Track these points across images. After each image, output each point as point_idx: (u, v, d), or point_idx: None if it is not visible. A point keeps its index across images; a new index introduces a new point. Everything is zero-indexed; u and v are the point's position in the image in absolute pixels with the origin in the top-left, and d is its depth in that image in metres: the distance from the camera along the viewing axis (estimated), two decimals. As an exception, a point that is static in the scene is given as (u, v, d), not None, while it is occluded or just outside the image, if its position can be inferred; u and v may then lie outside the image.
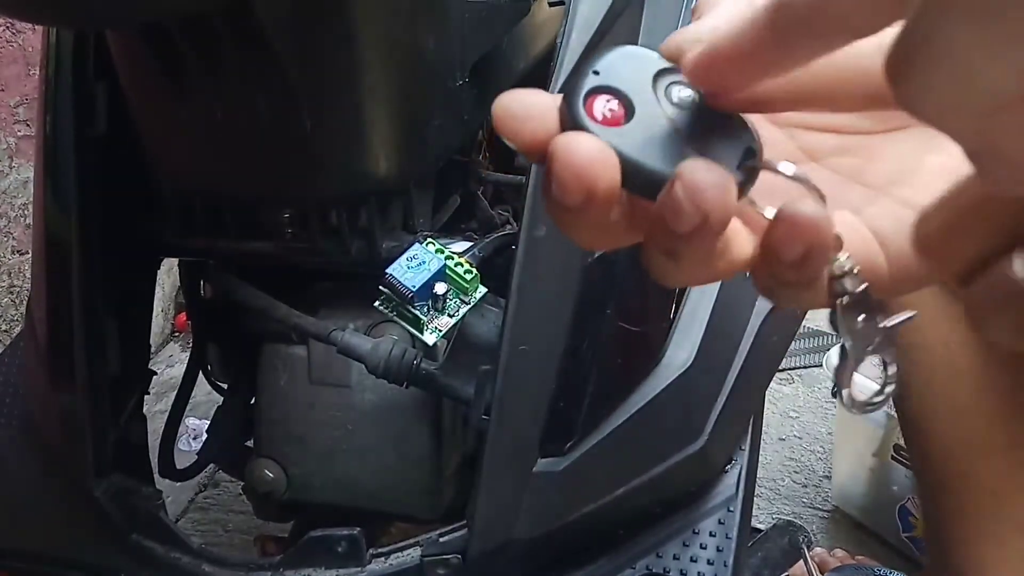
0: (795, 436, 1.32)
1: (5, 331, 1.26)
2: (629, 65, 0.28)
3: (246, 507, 1.04)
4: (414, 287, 0.58)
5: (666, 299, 0.64)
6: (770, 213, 0.26)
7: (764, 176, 0.27)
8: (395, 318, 0.60)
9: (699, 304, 0.66)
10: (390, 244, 0.62)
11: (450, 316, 0.59)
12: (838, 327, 0.30)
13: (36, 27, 1.14)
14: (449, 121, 0.62)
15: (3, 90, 1.20)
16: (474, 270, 0.59)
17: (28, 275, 1.24)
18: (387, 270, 0.59)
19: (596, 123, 0.26)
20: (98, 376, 0.64)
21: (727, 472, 0.65)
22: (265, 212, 0.63)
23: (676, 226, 0.25)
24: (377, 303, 0.60)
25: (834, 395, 0.31)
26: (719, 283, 0.69)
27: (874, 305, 0.29)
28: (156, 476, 0.73)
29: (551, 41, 0.71)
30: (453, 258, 0.59)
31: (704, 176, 0.24)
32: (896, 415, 0.79)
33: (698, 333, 0.65)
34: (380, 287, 0.59)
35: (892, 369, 0.31)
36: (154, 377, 0.73)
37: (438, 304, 0.59)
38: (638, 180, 0.26)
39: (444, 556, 0.58)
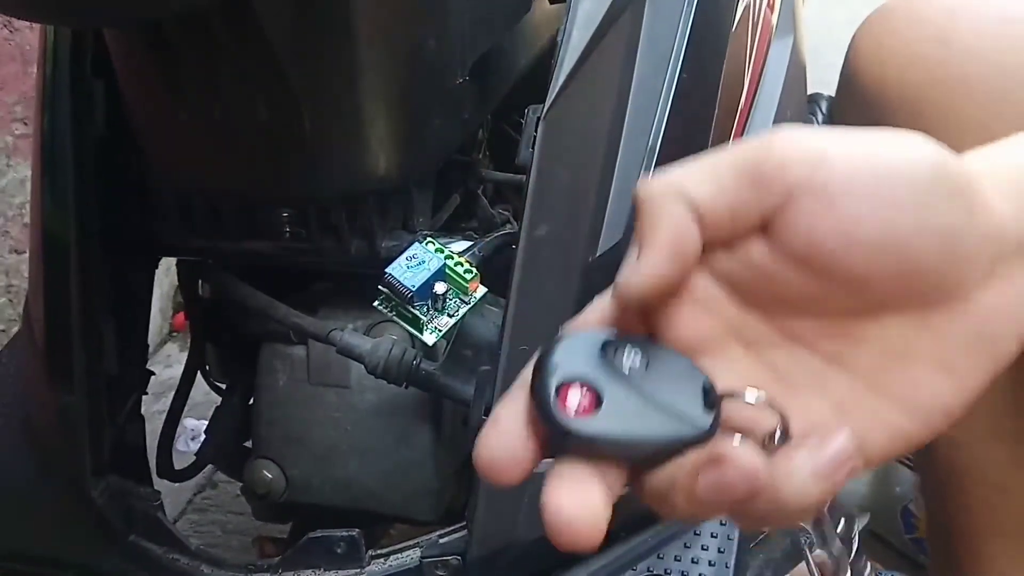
0: (795, 437, 1.32)
1: (3, 331, 1.25)
2: (578, 350, 0.30)
3: (245, 508, 1.04)
4: (414, 287, 0.57)
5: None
6: (737, 442, 0.28)
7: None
8: (394, 318, 0.59)
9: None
10: (390, 243, 0.62)
11: (450, 316, 0.59)
12: (824, 540, 0.32)
13: (34, 25, 1.13)
14: (449, 120, 0.62)
15: (1, 88, 1.20)
16: (474, 270, 0.59)
17: (26, 274, 1.24)
18: (386, 270, 0.58)
19: (574, 418, 0.28)
20: (96, 376, 0.64)
21: (728, 473, 0.65)
22: (264, 212, 0.62)
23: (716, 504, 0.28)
24: (376, 303, 0.59)
25: None
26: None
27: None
28: (154, 477, 0.73)
29: (552, 39, 0.71)
30: (453, 257, 0.59)
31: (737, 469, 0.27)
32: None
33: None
34: (379, 287, 0.59)
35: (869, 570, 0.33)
36: (152, 377, 0.72)
37: (438, 304, 0.59)
38: (631, 455, 0.29)
39: (444, 557, 0.57)
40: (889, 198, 0.28)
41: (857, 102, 0.66)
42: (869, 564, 0.33)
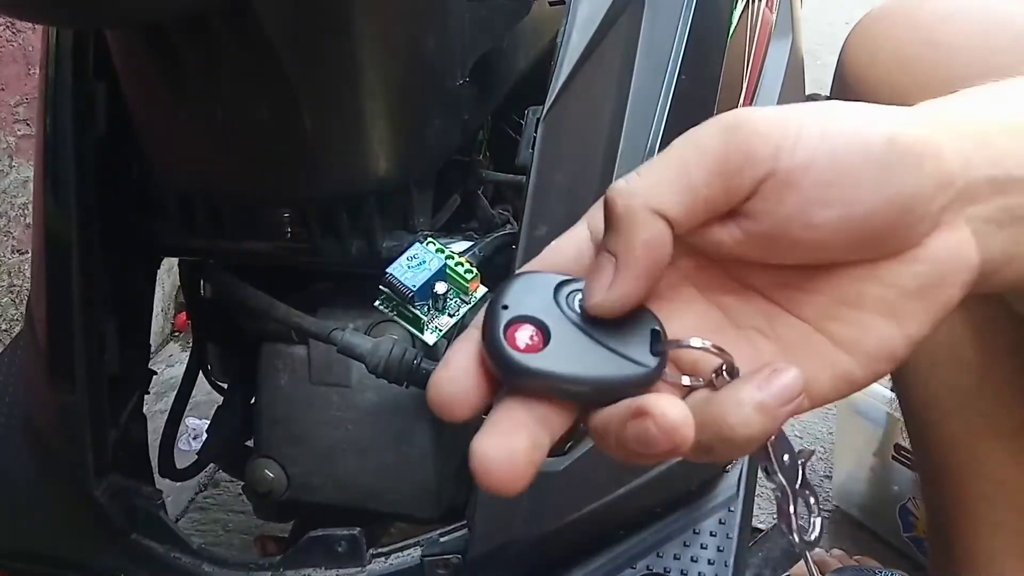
0: (796, 436, 1.32)
1: (5, 331, 1.26)
2: (531, 290, 0.31)
3: (246, 507, 1.04)
4: (414, 287, 0.57)
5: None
6: (686, 380, 0.31)
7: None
8: (395, 318, 0.59)
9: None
10: (390, 244, 0.62)
11: (450, 316, 0.59)
12: (768, 472, 0.33)
13: (36, 27, 1.14)
14: (449, 121, 0.62)
15: (3, 89, 1.20)
16: (474, 270, 0.59)
17: (28, 275, 1.24)
18: (387, 269, 0.58)
19: (521, 352, 0.29)
20: (98, 376, 0.64)
21: (728, 472, 0.65)
22: (265, 212, 0.63)
23: (647, 450, 0.29)
24: (377, 303, 0.60)
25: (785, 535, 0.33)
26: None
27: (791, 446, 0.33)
28: (156, 476, 0.73)
29: (551, 40, 0.71)
30: (453, 257, 0.59)
31: (670, 416, 0.28)
32: (899, 408, 0.79)
33: (698, 333, 0.65)
34: (380, 287, 0.59)
35: (814, 500, 0.34)
36: (154, 377, 0.73)
37: (438, 304, 0.59)
38: (574, 392, 0.30)
39: (444, 556, 0.57)
40: (848, 176, 0.30)
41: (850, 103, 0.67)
42: (813, 497, 0.34)
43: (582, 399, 0.30)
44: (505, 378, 0.30)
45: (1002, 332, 0.66)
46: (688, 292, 0.33)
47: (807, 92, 1.03)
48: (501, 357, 0.29)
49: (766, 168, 0.30)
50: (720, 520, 0.63)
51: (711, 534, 0.62)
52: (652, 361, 0.30)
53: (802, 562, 0.75)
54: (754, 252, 0.31)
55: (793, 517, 0.33)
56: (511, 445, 0.29)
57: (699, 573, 0.61)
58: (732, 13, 0.71)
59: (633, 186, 0.30)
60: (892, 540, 1.09)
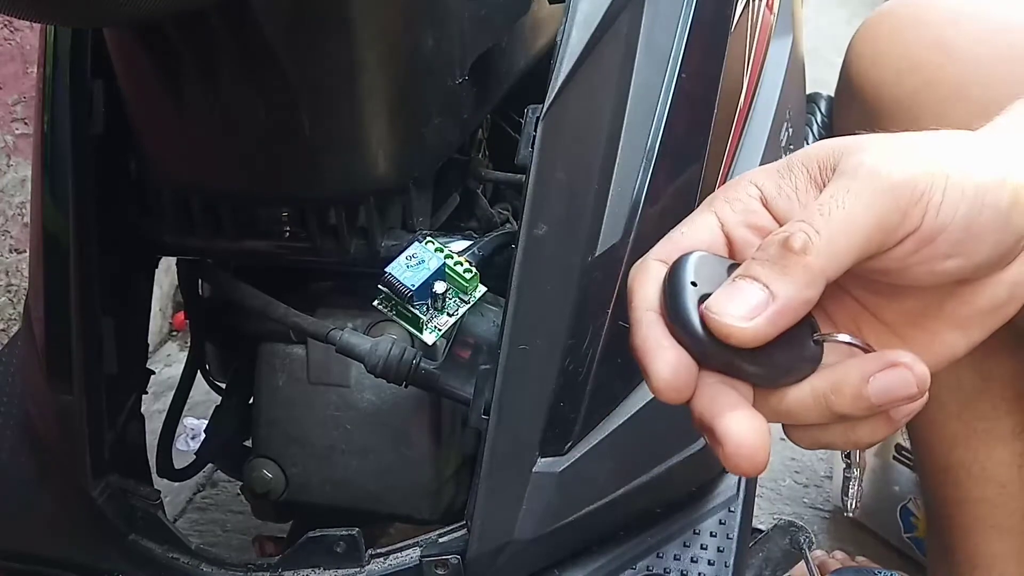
0: (795, 436, 1.32)
1: (2, 330, 1.25)
2: (711, 269, 0.33)
3: (244, 507, 1.04)
4: (413, 286, 0.57)
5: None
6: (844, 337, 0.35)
7: None
8: (394, 317, 0.59)
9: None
10: (389, 243, 0.62)
11: (449, 315, 0.59)
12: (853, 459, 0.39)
13: (34, 25, 1.13)
14: (448, 120, 0.62)
15: (1, 88, 1.20)
16: (474, 269, 0.59)
17: (25, 274, 1.24)
18: (386, 269, 0.58)
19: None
20: (95, 375, 0.64)
21: (727, 472, 0.65)
22: (263, 211, 0.62)
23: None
24: (376, 302, 0.59)
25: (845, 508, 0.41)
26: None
27: None
28: (154, 476, 0.73)
29: (551, 39, 0.71)
30: (453, 257, 0.59)
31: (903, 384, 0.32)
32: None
33: (699, 333, 0.64)
34: (379, 286, 0.59)
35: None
36: (152, 376, 0.72)
37: (437, 303, 0.59)
38: (758, 371, 0.33)
39: (443, 557, 0.57)
40: (976, 235, 0.33)
41: (855, 103, 0.67)
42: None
43: (761, 379, 0.33)
44: (706, 353, 0.32)
45: (1004, 335, 0.66)
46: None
47: (808, 92, 1.03)
48: (700, 338, 0.32)
49: (914, 226, 0.33)
50: (720, 521, 0.63)
51: (711, 535, 0.62)
52: (815, 349, 0.34)
53: (802, 562, 0.74)
54: (866, 273, 0.34)
55: (858, 490, 0.39)
56: (759, 425, 0.32)
57: (699, 574, 0.60)
58: (732, 12, 0.71)
59: (817, 245, 0.32)
60: (892, 540, 1.09)
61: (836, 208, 0.32)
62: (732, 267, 0.33)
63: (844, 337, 0.34)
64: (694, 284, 0.32)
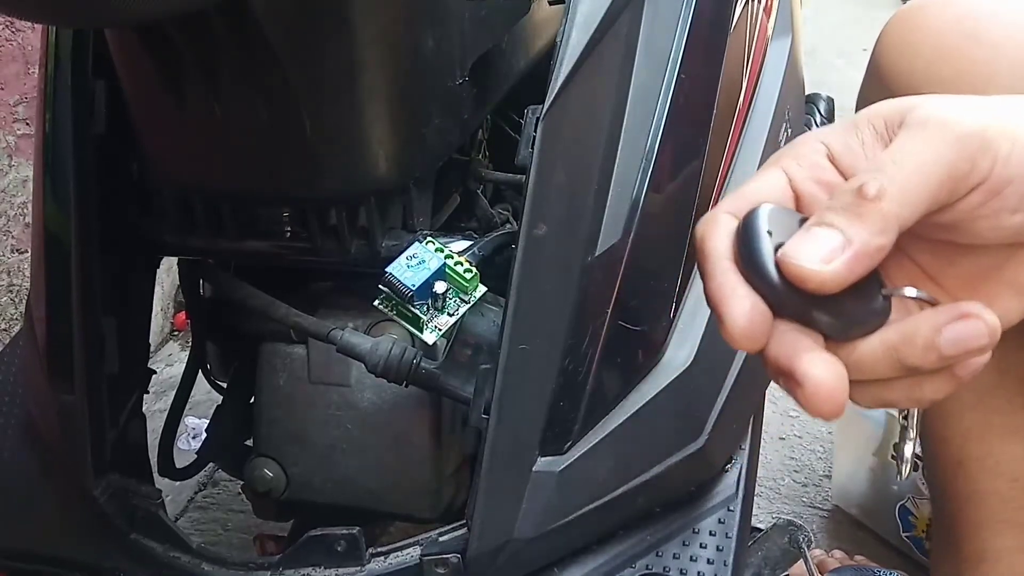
0: (795, 435, 1.32)
1: (4, 330, 1.26)
2: (785, 221, 0.34)
3: (245, 506, 1.04)
4: (414, 286, 0.57)
5: (666, 299, 0.64)
6: (911, 292, 0.35)
7: None
8: (394, 317, 0.59)
9: (699, 304, 0.66)
10: (389, 243, 0.62)
11: (450, 315, 0.59)
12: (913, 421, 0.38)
13: (35, 25, 1.14)
14: (449, 120, 0.62)
15: (2, 88, 1.20)
16: (474, 269, 0.59)
17: (27, 274, 1.24)
18: (387, 269, 0.58)
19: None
20: (97, 375, 0.64)
21: (727, 471, 0.65)
22: (264, 211, 0.63)
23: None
24: (376, 302, 0.60)
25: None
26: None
27: None
28: (155, 475, 0.73)
29: (551, 40, 0.71)
30: (453, 257, 0.59)
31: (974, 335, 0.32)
32: (899, 409, 0.79)
33: (698, 333, 0.65)
34: (379, 286, 0.59)
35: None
36: (153, 376, 0.73)
37: (438, 303, 0.59)
38: (832, 321, 0.33)
39: (443, 555, 0.57)
40: None
41: (884, 94, 0.67)
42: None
43: (834, 329, 0.34)
44: (782, 301, 0.33)
45: (1022, 329, 0.66)
46: None
47: (807, 92, 1.03)
48: (776, 285, 0.32)
49: (983, 176, 0.33)
50: (719, 520, 0.63)
51: (710, 534, 0.62)
52: (884, 303, 0.34)
53: (801, 562, 0.75)
54: (930, 231, 0.35)
55: (912, 453, 0.40)
56: (838, 368, 0.32)
57: (698, 573, 0.61)
58: (732, 13, 0.71)
59: (890, 191, 0.32)
60: (891, 539, 1.09)
61: (907, 156, 0.33)
62: (803, 220, 0.34)
63: (911, 291, 0.35)
64: (769, 233, 0.33)
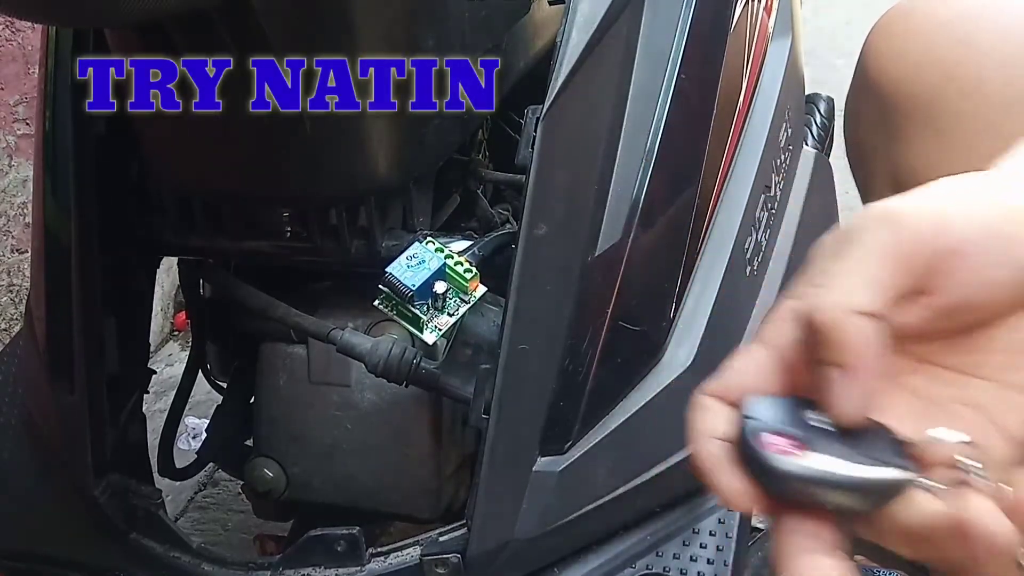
0: (795, 435, 1.32)
1: (4, 330, 1.26)
2: (774, 410, 0.32)
3: (245, 506, 1.04)
4: (414, 286, 0.57)
5: (666, 299, 0.64)
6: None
7: None
8: (395, 317, 0.59)
9: (699, 304, 0.66)
10: (390, 243, 0.62)
11: (450, 315, 0.59)
12: None
13: (36, 25, 1.14)
14: (449, 120, 0.62)
15: (2, 88, 1.20)
16: (474, 269, 0.59)
17: (27, 274, 1.24)
18: (387, 269, 0.58)
19: (784, 456, 0.30)
20: (97, 375, 0.64)
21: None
22: (264, 211, 0.63)
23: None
24: (376, 302, 0.60)
25: None
26: (719, 283, 0.69)
27: None
28: (155, 475, 0.73)
29: (551, 40, 0.71)
30: (453, 257, 0.59)
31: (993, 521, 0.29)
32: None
33: (698, 333, 0.65)
34: (380, 286, 0.59)
35: None
36: (153, 376, 0.73)
37: (438, 303, 0.59)
38: (845, 499, 0.30)
39: (443, 555, 0.58)
40: (1006, 239, 0.32)
41: (871, 100, 0.66)
42: None
43: (851, 506, 0.30)
44: (779, 490, 0.30)
45: None
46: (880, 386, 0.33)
47: (807, 92, 1.03)
48: (771, 469, 0.30)
49: (933, 245, 0.31)
50: (719, 520, 0.63)
51: (710, 534, 0.62)
52: (907, 462, 0.30)
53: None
54: (937, 325, 0.32)
55: None
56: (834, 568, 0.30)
57: (698, 572, 0.61)
58: (731, 13, 0.71)
59: (825, 296, 0.31)
60: (891, 540, 1.09)
61: (831, 258, 0.32)
62: (795, 404, 0.32)
63: (942, 432, 0.31)
64: (763, 421, 0.31)
